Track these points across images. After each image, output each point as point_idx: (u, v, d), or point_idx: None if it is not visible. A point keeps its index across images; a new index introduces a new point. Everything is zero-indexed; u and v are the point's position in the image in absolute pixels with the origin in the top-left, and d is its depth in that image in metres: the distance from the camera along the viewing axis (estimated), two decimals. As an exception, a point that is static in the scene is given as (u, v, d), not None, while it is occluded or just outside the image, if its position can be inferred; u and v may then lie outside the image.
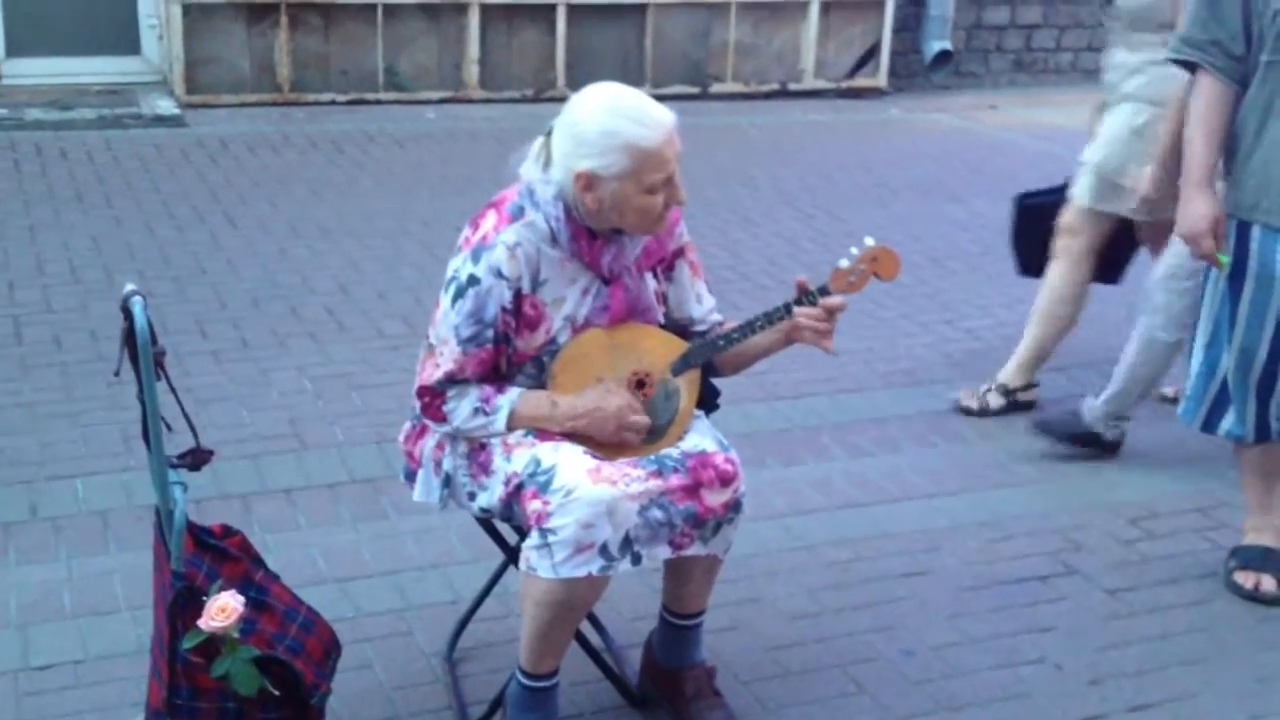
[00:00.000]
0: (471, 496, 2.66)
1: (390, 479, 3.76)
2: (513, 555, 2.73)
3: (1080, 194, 4.41)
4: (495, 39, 8.77)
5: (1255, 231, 3.28)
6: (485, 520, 2.77)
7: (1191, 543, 3.77)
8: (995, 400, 4.58)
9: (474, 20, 8.61)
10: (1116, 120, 4.30)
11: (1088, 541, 3.75)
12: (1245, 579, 3.51)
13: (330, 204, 6.54)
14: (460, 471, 2.66)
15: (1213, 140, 3.29)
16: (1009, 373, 4.63)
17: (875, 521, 3.81)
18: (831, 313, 2.63)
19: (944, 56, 9.96)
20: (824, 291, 2.65)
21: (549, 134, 2.60)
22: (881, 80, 9.86)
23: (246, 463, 3.96)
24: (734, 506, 2.63)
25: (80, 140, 7.42)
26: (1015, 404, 4.59)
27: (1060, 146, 8.53)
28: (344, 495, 3.82)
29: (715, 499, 2.59)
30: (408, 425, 2.79)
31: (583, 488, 2.45)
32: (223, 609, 2.23)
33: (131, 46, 8.31)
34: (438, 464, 2.69)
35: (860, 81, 9.81)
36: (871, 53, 9.81)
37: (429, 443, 2.71)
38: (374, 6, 8.40)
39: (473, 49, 8.68)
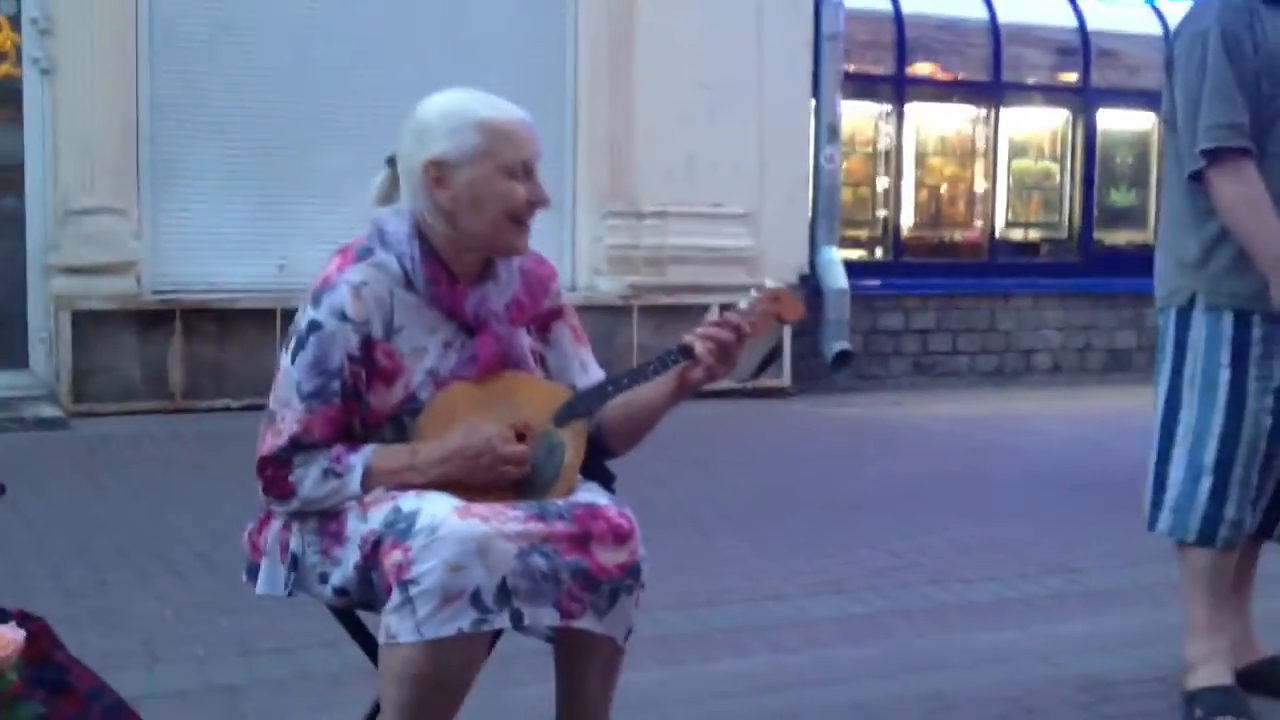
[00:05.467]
0: (323, 579, 2.27)
1: (252, 687, 3.44)
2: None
3: None
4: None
5: (1257, 319, 3.14)
6: (343, 609, 2.35)
7: (1149, 704, 3.39)
8: None
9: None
10: None
11: (1040, 705, 3.36)
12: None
13: (208, 483, 6.16)
14: (310, 550, 2.28)
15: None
16: None
17: (796, 709, 3.39)
18: (735, 331, 2.32)
19: (845, 357, 10.05)
20: None
21: (391, 162, 2.38)
22: (785, 380, 9.87)
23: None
24: (631, 571, 2.26)
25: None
26: None
27: (966, 428, 8.52)
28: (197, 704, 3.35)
29: (609, 557, 2.22)
30: (251, 523, 2.42)
31: (449, 525, 2.09)
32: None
33: (18, 360, 8.08)
34: (285, 547, 2.31)
35: (765, 382, 9.80)
36: (774, 354, 9.86)
37: (274, 527, 2.34)
38: (272, 311, 8.29)
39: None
